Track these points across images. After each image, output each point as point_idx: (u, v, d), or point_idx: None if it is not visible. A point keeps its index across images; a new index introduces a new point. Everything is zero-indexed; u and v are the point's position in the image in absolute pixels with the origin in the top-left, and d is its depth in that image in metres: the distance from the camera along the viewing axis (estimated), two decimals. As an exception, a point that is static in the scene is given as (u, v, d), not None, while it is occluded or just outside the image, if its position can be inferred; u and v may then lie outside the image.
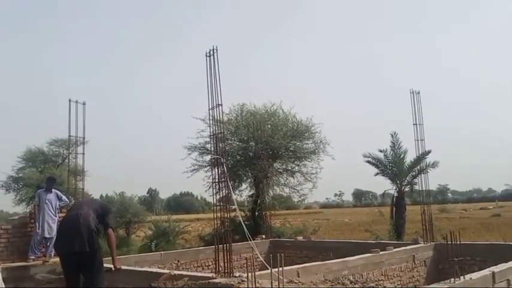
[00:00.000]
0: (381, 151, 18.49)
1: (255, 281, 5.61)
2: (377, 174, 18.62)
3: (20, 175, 23.51)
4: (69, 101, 10.44)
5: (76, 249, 6.38)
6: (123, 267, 7.41)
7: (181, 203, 58.62)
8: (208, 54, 7.78)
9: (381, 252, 9.10)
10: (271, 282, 5.30)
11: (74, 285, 6.53)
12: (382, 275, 8.89)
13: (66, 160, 23.44)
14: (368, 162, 18.61)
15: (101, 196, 32.14)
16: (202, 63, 7.72)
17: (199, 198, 61.81)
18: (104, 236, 6.90)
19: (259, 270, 6.93)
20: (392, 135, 18.36)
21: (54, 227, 9.89)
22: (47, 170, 22.90)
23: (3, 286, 6.83)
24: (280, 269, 5.22)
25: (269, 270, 5.68)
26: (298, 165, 17.66)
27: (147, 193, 57.12)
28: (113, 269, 6.80)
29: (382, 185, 19.44)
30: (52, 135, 23.95)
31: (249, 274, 5.65)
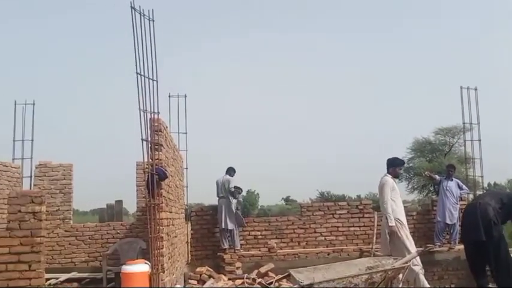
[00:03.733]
0: None
1: None
2: None
3: (410, 165, 24.83)
4: (461, 88, 10.41)
5: (471, 237, 6.31)
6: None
7: None
8: None
9: None
10: None
11: (477, 275, 6.46)
12: None
13: (453, 148, 23.49)
14: None
15: (489, 184, 30.79)
16: None
17: None
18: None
19: None
20: None
21: (456, 214, 9.99)
22: (435, 159, 23.43)
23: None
24: None
25: None
26: None
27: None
28: None
29: None
30: (437, 124, 24.34)
31: None
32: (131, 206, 12.30)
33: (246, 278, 8.75)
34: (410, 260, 5.28)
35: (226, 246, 9.94)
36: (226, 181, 10.11)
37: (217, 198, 10.22)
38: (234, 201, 10.02)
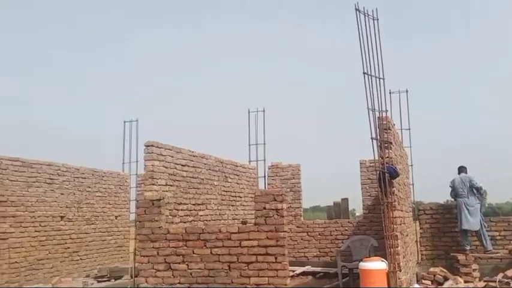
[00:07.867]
0: None
1: None
2: None
3: None
4: None
5: None
6: None
7: None
8: None
9: None
10: None
11: None
12: None
13: None
14: None
15: None
16: None
17: None
18: None
19: None
20: None
21: None
22: None
23: None
24: None
25: None
26: None
27: None
28: None
29: None
30: None
31: None
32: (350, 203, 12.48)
33: (498, 282, 8.04)
34: None
35: (468, 248, 9.31)
36: (466, 179, 9.45)
37: (454, 199, 9.72)
38: (481, 200, 9.37)
